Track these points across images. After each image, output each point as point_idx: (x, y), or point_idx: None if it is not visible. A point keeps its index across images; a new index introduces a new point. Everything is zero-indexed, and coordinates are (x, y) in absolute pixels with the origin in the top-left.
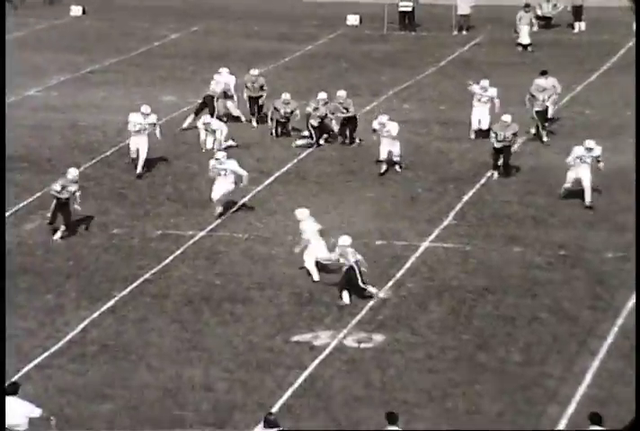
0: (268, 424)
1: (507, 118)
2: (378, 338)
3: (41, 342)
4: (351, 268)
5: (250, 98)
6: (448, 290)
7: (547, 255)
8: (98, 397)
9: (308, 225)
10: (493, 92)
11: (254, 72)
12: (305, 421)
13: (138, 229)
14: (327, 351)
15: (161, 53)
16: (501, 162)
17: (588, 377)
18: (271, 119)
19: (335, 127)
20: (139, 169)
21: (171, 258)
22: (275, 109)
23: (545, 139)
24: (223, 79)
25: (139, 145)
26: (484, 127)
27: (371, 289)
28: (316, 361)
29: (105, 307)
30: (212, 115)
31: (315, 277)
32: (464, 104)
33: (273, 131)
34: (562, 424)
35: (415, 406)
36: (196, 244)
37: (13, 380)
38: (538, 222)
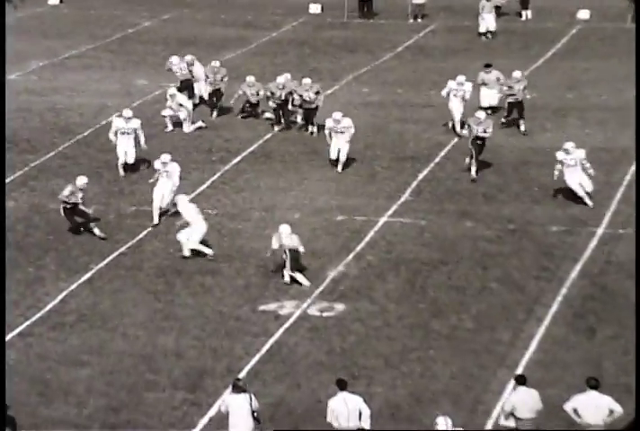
0: (236, 389)
1: (481, 114)
2: (340, 307)
3: (23, 312)
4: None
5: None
6: (404, 262)
7: (497, 229)
8: (76, 363)
9: (185, 208)
10: (468, 86)
11: (216, 63)
12: (271, 385)
13: (114, 206)
14: (292, 320)
15: (134, 39)
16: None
17: (534, 343)
18: (237, 100)
19: (299, 117)
20: (121, 171)
21: (144, 233)
22: (243, 92)
23: (522, 129)
24: (178, 65)
25: (127, 149)
26: (458, 119)
27: (301, 278)
28: (282, 329)
29: (83, 279)
30: (191, 97)
31: (208, 251)
32: (420, 88)
33: (240, 112)
34: (510, 386)
35: (374, 370)
36: (168, 220)
37: None
38: (488, 198)
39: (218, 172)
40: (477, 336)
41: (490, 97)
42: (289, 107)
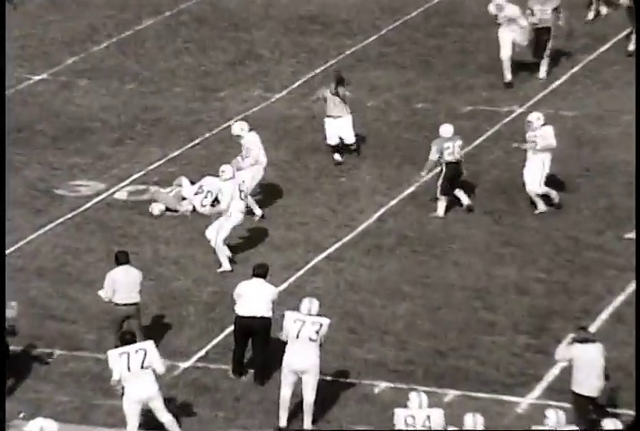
0: (584, 338)
1: None
2: None
3: (333, 231)
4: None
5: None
6: None
7: None
8: (395, 295)
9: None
10: None
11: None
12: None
13: (445, 103)
14: None
15: None
16: None
17: None
18: None
19: None
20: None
21: (483, 138)
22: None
23: None
24: None
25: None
26: None
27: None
28: None
29: (405, 193)
30: None
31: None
32: None
33: None
34: None
35: None
36: (514, 122)
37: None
38: None
39: (579, 63)
40: None
41: None
42: None
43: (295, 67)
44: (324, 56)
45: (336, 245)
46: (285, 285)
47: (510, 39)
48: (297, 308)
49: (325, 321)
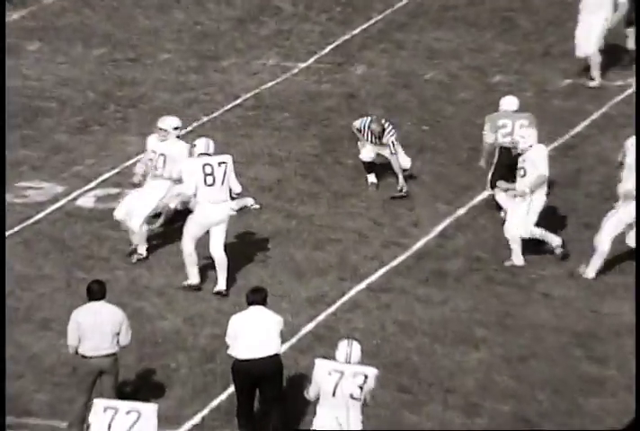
0: None
1: None
2: None
3: (376, 252)
4: None
5: None
6: None
7: None
8: (464, 340)
9: None
10: None
11: None
12: None
13: (533, 76)
14: None
15: None
16: None
17: None
18: None
19: None
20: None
21: (585, 123)
22: None
23: None
24: None
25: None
26: None
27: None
28: None
29: (477, 199)
30: None
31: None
32: None
33: None
34: None
35: None
36: (630, 101)
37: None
38: None
39: None
40: None
41: None
42: None
43: (325, 27)
44: (364, 11)
45: (381, 271)
46: (312, 325)
47: (592, 27)
48: (328, 357)
49: (371, 372)
